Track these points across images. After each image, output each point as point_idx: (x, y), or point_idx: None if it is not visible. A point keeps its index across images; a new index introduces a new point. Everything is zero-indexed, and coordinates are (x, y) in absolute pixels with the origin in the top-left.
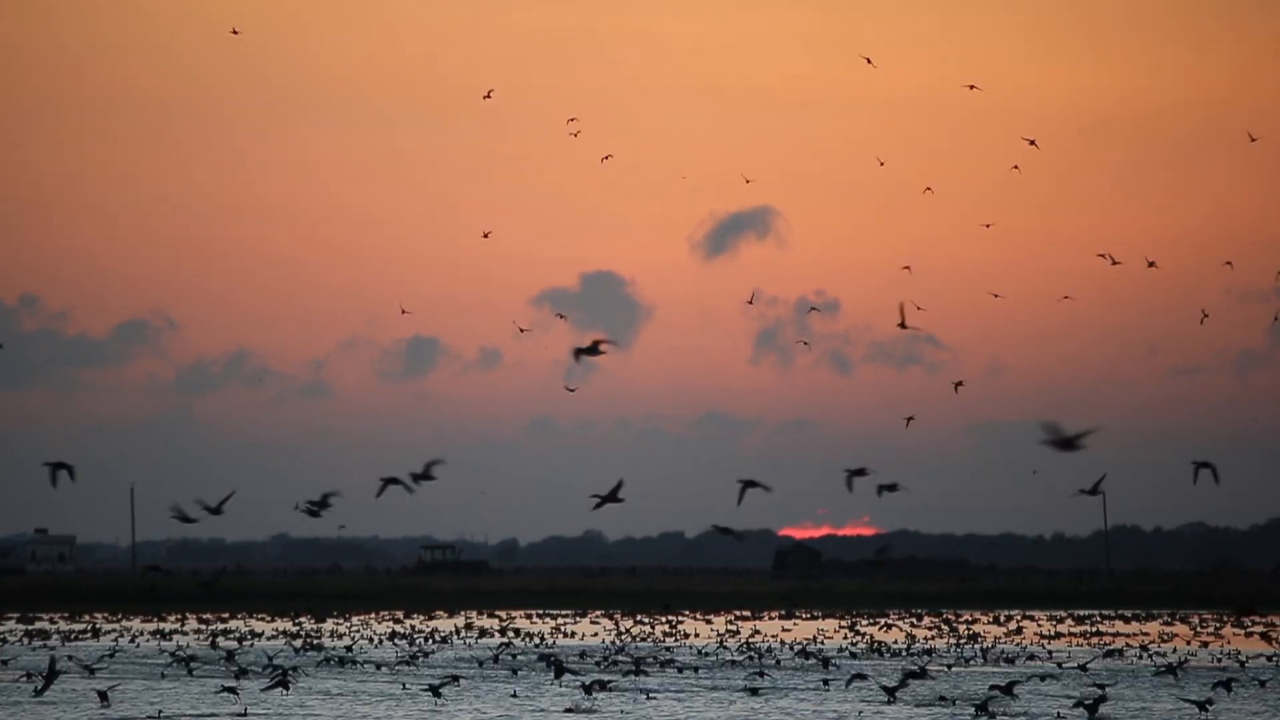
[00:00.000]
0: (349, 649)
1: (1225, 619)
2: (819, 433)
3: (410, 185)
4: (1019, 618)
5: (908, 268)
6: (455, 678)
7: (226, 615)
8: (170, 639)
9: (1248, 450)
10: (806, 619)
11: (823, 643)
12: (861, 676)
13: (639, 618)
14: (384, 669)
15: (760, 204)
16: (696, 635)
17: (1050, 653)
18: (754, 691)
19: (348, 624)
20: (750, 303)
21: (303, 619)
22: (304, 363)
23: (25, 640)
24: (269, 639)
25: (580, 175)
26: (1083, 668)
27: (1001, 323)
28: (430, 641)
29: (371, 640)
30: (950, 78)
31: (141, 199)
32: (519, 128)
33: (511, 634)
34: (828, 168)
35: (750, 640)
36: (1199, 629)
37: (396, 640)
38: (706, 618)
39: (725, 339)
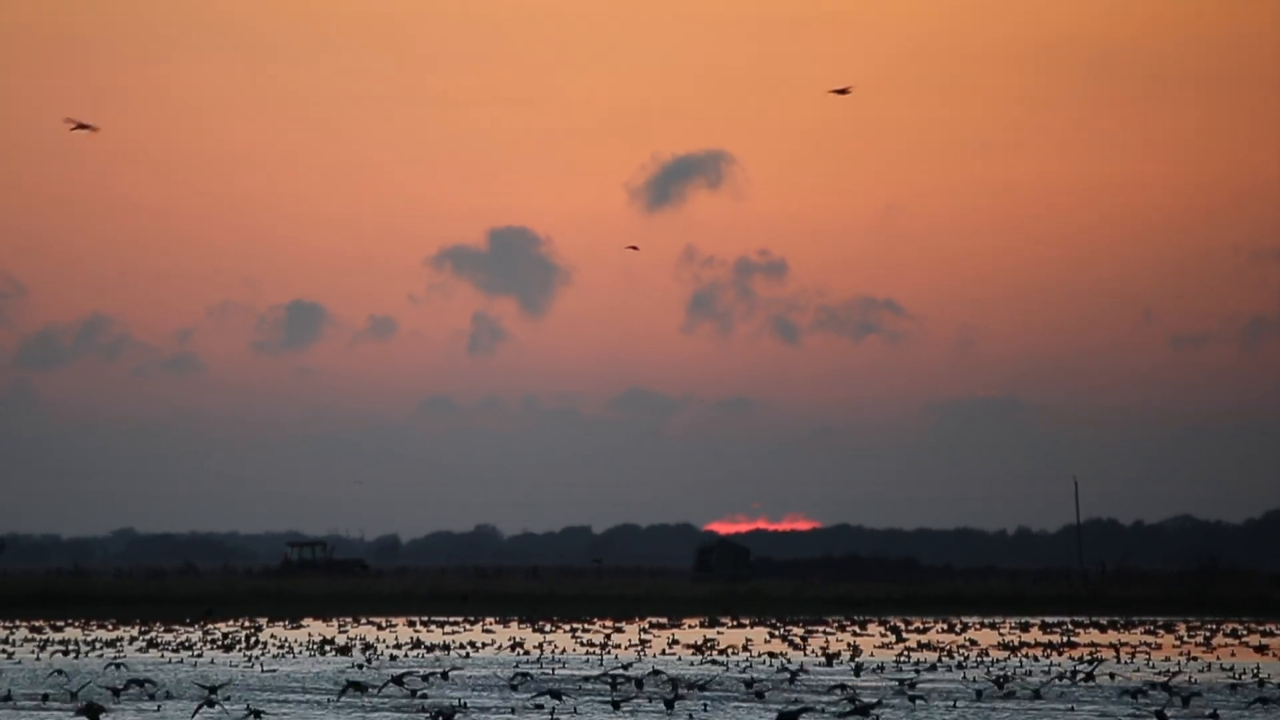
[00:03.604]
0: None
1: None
2: (760, 413)
3: (293, 124)
4: (976, 626)
5: None
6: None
7: (61, 623)
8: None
9: (1248, 433)
10: (733, 627)
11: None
12: None
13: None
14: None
15: (714, 147)
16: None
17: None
18: None
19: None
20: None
21: (149, 627)
22: (169, 332)
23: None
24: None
25: (492, 114)
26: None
27: (973, 284)
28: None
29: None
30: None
31: None
32: (420, 58)
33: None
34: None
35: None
36: (1186, 638)
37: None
38: (617, 626)
39: (653, 304)
